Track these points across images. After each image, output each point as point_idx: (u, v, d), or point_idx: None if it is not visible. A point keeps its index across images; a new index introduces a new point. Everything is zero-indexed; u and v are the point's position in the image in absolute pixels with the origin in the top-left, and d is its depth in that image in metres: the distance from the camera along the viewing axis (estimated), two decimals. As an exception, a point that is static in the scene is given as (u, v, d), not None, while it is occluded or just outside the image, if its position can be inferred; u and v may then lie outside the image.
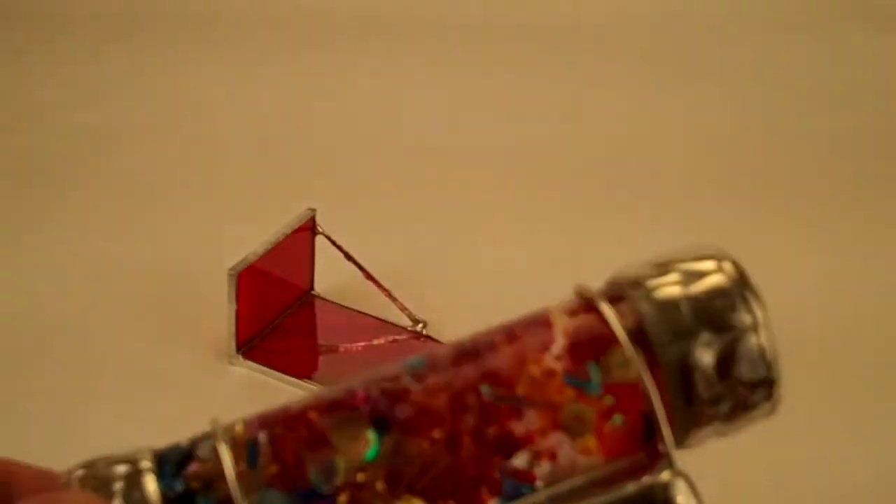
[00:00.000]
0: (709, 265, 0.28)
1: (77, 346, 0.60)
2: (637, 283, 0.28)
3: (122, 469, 0.27)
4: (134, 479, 0.27)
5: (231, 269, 0.57)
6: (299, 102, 0.89)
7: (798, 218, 0.75)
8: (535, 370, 0.27)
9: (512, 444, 0.27)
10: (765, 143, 0.86)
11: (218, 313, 0.58)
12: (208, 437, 0.28)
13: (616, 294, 0.28)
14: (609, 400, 0.27)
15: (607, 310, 0.28)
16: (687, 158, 0.83)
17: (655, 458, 0.27)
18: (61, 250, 0.69)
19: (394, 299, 0.61)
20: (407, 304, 0.61)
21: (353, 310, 0.63)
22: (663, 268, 0.28)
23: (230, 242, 0.61)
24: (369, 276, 0.62)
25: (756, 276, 0.71)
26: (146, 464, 0.27)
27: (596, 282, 0.30)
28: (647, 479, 0.27)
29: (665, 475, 0.27)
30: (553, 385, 0.27)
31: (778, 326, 0.64)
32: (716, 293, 0.28)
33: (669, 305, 0.27)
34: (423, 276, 0.66)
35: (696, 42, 1.01)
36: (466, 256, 0.69)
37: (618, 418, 0.27)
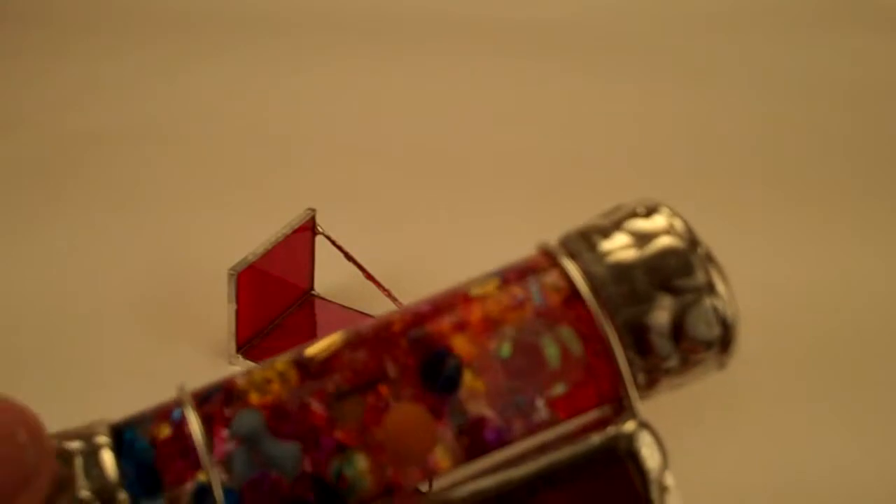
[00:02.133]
0: (660, 222, 0.28)
1: (77, 345, 0.60)
2: (589, 242, 0.28)
3: (77, 444, 0.27)
4: (91, 454, 0.26)
5: (231, 269, 0.57)
6: (299, 103, 0.89)
7: (798, 218, 0.75)
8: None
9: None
10: (765, 142, 0.86)
11: (218, 313, 0.58)
12: (172, 404, 0.28)
13: (571, 251, 0.29)
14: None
15: (572, 268, 0.28)
16: (688, 159, 0.83)
17: (619, 410, 0.27)
18: (61, 250, 0.69)
19: (394, 299, 0.61)
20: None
21: (353, 310, 0.63)
22: (614, 226, 0.29)
23: (230, 242, 0.61)
24: (369, 276, 0.62)
25: (754, 277, 0.71)
26: (102, 438, 0.27)
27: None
28: (610, 430, 0.27)
29: (629, 426, 0.27)
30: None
31: (768, 324, 0.64)
32: (669, 253, 0.28)
33: (623, 268, 0.27)
34: (423, 276, 0.66)
35: (695, 42, 1.02)
36: (466, 256, 0.69)
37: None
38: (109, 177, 0.77)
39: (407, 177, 0.79)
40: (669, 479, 0.26)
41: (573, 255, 0.28)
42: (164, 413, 0.28)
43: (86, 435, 0.27)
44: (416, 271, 0.67)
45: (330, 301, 0.64)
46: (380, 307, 0.62)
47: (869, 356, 0.62)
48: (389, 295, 0.61)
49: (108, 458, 0.26)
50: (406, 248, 0.69)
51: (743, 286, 0.71)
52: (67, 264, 0.68)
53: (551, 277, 0.28)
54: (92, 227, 0.71)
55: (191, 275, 0.66)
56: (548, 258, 0.29)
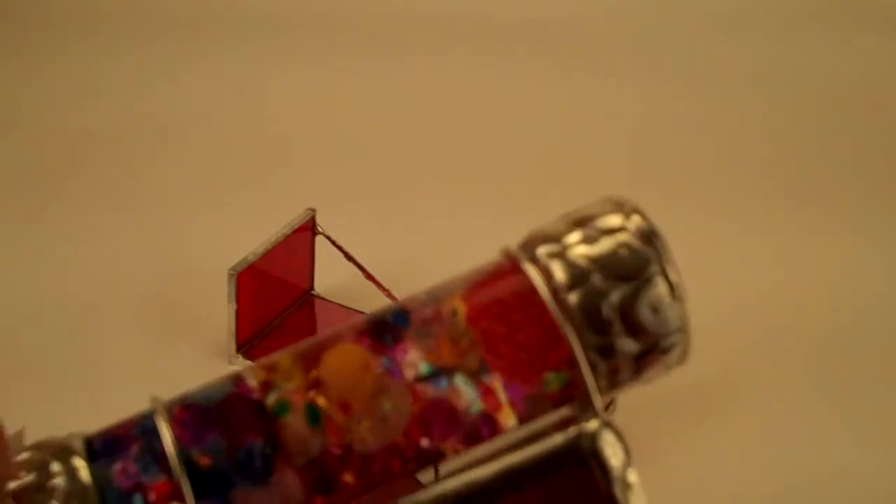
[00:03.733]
0: (616, 220, 0.28)
1: (77, 345, 0.60)
2: (550, 242, 0.29)
3: (56, 465, 0.27)
4: (69, 470, 0.27)
5: (231, 269, 0.57)
6: (299, 103, 0.89)
7: (798, 218, 0.75)
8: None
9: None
10: (764, 142, 0.86)
11: (218, 313, 0.58)
12: (145, 415, 0.28)
13: (531, 254, 0.29)
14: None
15: (535, 274, 0.28)
16: (688, 159, 0.83)
17: (583, 409, 0.27)
18: (61, 250, 0.69)
19: (394, 299, 0.61)
20: (407, 304, 0.61)
21: (353, 310, 0.63)
22: (573, 226, 0.29)
23: (230, 242, 0.61)
24: (369, 276, 0.62)
25: (755, 276, 0.71)
26: (78, 451, 0.27)
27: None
28: (573, 430, 0.27)
29: (591, 424, 0.27)
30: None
31: (768, 324, 0.64)
32: (622, 249, 0.28)
33: (581, 268, 0.27)
34: (423, 276, 0.66)
35: (695, 42, 1.01)
36: (466, 256, 0.69)
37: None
38: (109, 177, 0.77)
39: (407, 177, 0.79)
40: (633, 477, 0.27)
41: (535, 260, 0.28)
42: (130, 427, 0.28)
43: (63, 452, 0.27)
44: (416, 271, 0.66)
45: (330, 301, 0.64)
46: (380, 307, 0.62)
47: (869, 356, 0.62)
48: (389, 295, 0.61)
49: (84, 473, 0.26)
50: (406, 248, 0.69)
51: (743, 286, 0.72)
52: (67, 264, 0.68)
53: (515, 283, 0.28)
54: (92, 227, 0.71)
55: (191, 275, 0.66)
56: (512, 262, 0.29)
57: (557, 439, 0.27)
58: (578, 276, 0.27)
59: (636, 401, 0.57)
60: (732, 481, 0.53)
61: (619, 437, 0.27)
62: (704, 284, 0.66)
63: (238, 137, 0.83)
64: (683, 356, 0.29)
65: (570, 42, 1.01)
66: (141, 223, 0.72)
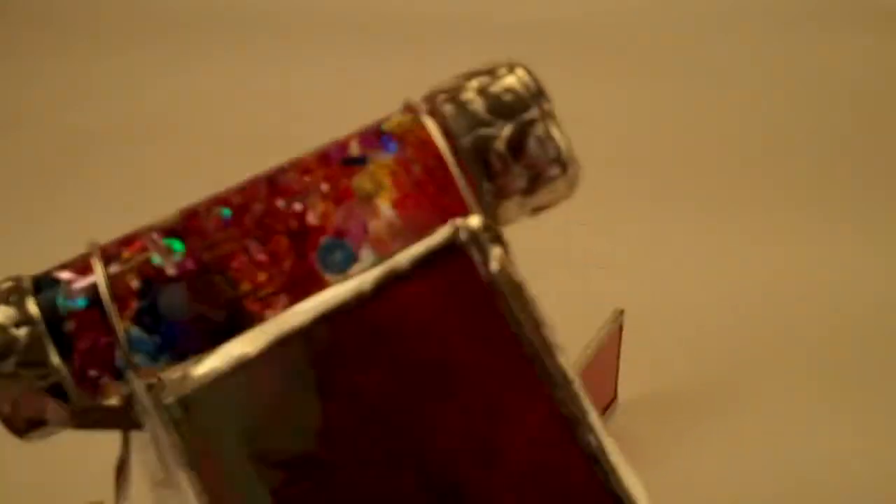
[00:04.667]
0: (502, 71, 0.33)
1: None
2: (443, 91, 0.33)
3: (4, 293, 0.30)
4: (18, 302, 0.30)
5: (231, 268, 0.57)
6: (299, 102, 0.89)
7: (799, 218, 0.75)
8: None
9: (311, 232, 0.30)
10: (765, 142, 0.86)
11: (218, 313, 0.58)
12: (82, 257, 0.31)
13: (431, 105, 0.33)
14: (417, 168, 0.32)
15: (427, 119, 0.32)
16: (689, 159, 0.83)
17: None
18: (61, 250, 0.69)
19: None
20: (407, 304, 0.61)
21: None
22: (465, 77, 0.33)
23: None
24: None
25: (755, 276, 0.71)
26: (26, 286, 0.30)
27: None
28: (449, 225, 0.29)
29: (470, 221, 0.29)
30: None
31: (769, 324, 0.63)
32: (507, 91, 0.33)
33: (466, 104, 0.32)
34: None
35: (696, 42, 1.01)
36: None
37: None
38: (108, 176, 0.77)
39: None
40: (517, 273, 0.29)
41: (433, 110, 0.32)
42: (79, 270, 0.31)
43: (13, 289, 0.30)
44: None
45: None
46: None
47: (869, 356, 0.62)
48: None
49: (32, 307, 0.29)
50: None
51: (744, 286, 0.72)
52: (67, 264, 0.67)
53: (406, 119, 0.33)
54: (91, 227, 0.71)
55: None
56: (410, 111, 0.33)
57: (437, 236, 0.29)
58: (465, 110, 0.32)
59: (637, 401, 0.57)
60: (733, 481, 0.53)
61: (498, 232, 0.29)
62: (705, 284, 0.66)
63: (238, 137, 0.83)
64: (570, 186, 0.32)
65: (569, 42, 1.01)
66: (140, 223, 0.72)
